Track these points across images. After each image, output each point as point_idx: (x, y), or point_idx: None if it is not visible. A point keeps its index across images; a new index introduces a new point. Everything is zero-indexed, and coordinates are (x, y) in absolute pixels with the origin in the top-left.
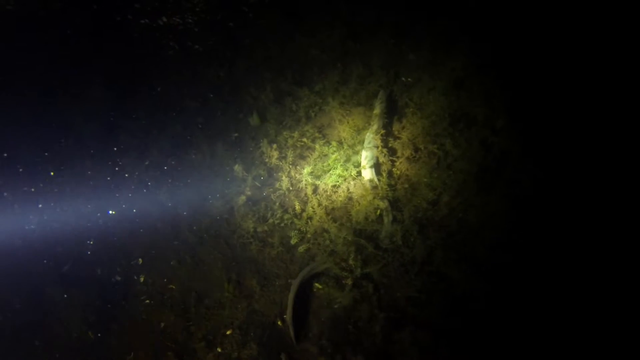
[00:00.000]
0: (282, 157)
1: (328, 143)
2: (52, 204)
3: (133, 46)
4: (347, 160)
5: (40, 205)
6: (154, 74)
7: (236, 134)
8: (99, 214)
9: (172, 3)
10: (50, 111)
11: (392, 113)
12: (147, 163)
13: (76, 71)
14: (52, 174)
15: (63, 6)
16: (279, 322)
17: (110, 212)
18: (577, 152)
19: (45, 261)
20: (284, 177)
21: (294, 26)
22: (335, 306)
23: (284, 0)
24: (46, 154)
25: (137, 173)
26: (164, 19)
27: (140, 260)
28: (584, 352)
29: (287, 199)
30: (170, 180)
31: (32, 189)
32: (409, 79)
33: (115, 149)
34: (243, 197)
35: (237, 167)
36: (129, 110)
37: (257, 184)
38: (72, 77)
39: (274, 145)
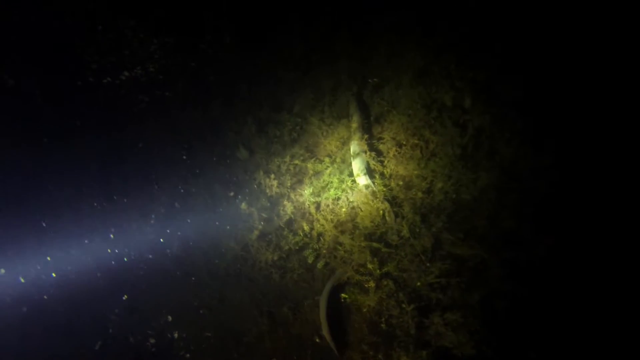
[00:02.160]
0: (280, 184)
1: (319, 160)
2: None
3: (103, 109)
4: (341, 172)
5: (54, 275)
6: (132, 132)
7: (228, 170)
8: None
9: (129, 55)
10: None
11: (367, 115)
12: (152, 222)
13: (61, 155)
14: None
15: (16, 82)
16: (317, 340)
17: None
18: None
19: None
20: (286, 202)
21: (255, 52)
22: (365, 310)
23: (238, 29)
24: (44, 224)
25: (144, 232)
26: (126, 73)
27: (169, 317)
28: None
29: (294, 222)
30: (179, 233)
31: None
32: (375, 79)
33: (115, 211)
34: (256, 232)
35: (244, 206)
36: (120, 175)
37: (264, 215)
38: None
39: (272, 175)
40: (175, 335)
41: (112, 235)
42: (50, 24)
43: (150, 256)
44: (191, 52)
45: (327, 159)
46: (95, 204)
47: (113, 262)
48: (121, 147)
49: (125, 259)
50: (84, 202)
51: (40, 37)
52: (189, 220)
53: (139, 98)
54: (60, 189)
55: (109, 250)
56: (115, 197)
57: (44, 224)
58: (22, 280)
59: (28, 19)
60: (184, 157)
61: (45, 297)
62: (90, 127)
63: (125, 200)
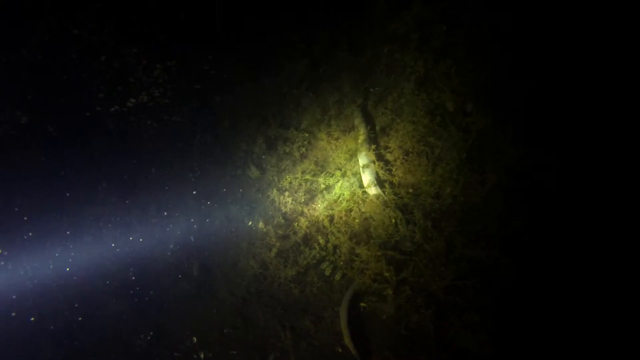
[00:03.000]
0: (294, 200)
1: (329, 174)
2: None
3: (113, 137)
4: (352, 184)
5: (76, 305)
6: (144, 159)
7: (241, 190)
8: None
9: (134, 82)
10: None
11: (373, 126)
12: (171, 246)
13: (76, 186)
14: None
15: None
16: (339, 349)
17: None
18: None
19: None
20: (300, 218)
21: (258, 70)
22: (384, 317)
23: (239, 48)
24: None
25: (164, 258)
26: (132, 100)
27: (194, 339)
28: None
29: (309, 237)
30: (198, 256)
31: None
32: (377, 88)
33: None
34: (274, 250)
35: (262, 225)
36: (137, 204)
37: (280, 232)
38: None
39: (286, 193)
40: (202, 355)
41: (131, 272)
42: (54, 59)
43: (172, 280)
44: (194, 74)
45: (337, 172)
46: (115, 237)
47: (137, 288)
48: (134, 174)
49: (151, 292)
50: (103, 235)
51: (45, 72)
52: (206, 243)
53: (148, 123)
54: (77, 221)
55: (133, 278)
56: (135, 222)
57: (67, 270)
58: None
59: (33, 56)
60: (197, 180)
61: (74, 325)
62: (102, 156)
63: (151, 226)
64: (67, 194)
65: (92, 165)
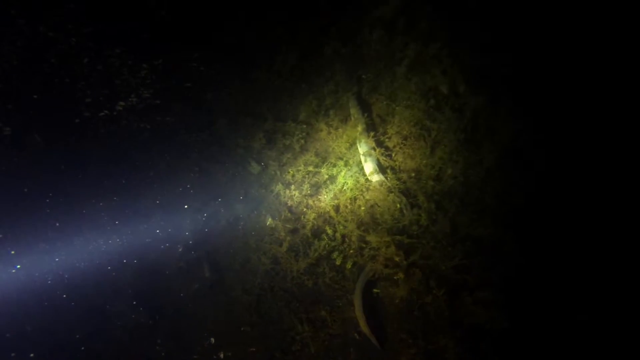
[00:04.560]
0: (299, 193)
1: (331, 164)
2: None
3: (106, 143)
4: (354, 172)
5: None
6: (141, 163)
7: (244, 187)
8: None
9: (121, 84)
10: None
11: (370, 113)
12: (180, 249)
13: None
14: None
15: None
16: (356, 336)
17: None
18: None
19: None
20: (307, 210)
21: (247, 64)
22: (397, 301)
23: (227, 42)
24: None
25: (173, 260)
26: (122, 103)
27: (212, 339)
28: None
29: (318, 228)
30: (209, 256)
31: None
32: (369, 75)
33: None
34: (285, 244)
35: (271, 221)
36: (141, 210)
37: (289, 226)
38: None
39: (292, 187)
40: (221, 355)
41: (143, 280)
42: (31, 64)
43: (184, 284)
44: (182, 72)
45: (339, 162)
46: (119, 241)
47: (150, 296)
48: (133, 180)
49: (165, 298)
50: (110, 245)
51: (23, 79)
52: (215, 243)
53: (141, 126)
54: (78, 235)
55: (145, 286)
56: (141, 230)
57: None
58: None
59: (7, 62)
60: (198, 180)
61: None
62: (98, 165)
63: (157, 230)
64: (67, 204)
65: (89, 174)
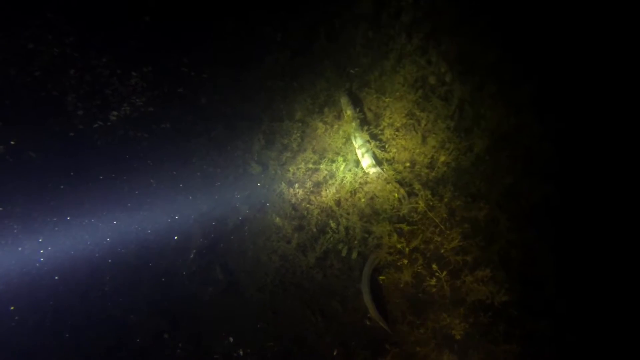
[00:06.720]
0: (302, 191)
1: (330, 160)
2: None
3: (104, 155)
4: (352, 166)
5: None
6: (142, 172)
7: (247, 189)
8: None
9: (112, 94)
10: None
11: (361, 107)
12: (192, 255)
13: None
14: None
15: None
16: (367, 322)
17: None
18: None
19: None
20: (309, 206)
21: (240, 66)
22: (402, 286)
23: (218, 46)
24: None
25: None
26: (115, 113)
27: (231, 338)
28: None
29: (321, 223)
30: (220, 259)
31: None
32: (357, 69)
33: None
34: (294, 241)
35: (279, 220)
36: (148, 220)
37: (295, 223)
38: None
39: (295, 185)
40: (241, 352)
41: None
42: (15, 78)
43: (199, 287)
44: (174, 78)
45: (337, 158)
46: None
47: (166, 302)
48: (135, 190)
49: (181, 303)
50: (123, 255)
51: (8, 94)
52: (224, 246)
53: (138, 135)
54: (92, 242)
55: (160, 293)
56: (151, 238)
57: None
58: None
59: None
60: (200, 185)
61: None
62: (98, 178)
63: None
64: (71, 217)
65: (91, 187)
